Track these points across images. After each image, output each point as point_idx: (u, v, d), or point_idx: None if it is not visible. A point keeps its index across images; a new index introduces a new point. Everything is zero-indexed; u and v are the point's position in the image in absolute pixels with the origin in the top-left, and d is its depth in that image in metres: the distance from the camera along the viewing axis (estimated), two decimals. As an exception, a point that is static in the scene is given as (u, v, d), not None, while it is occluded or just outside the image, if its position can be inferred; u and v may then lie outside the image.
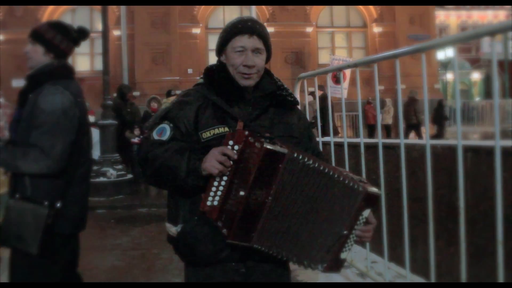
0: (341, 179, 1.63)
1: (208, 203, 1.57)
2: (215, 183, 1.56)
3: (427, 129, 3.18)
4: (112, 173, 8.26)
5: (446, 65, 23.55)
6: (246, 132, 1.54)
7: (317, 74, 4.41)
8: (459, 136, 2.73)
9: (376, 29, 20.78)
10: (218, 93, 1.74)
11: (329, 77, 12.72)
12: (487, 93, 39.25)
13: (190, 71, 19.30)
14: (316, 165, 1.60)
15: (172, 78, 18.76)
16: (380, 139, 3.11)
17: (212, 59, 20.64)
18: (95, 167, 8.24)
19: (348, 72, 12.55)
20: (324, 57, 20.94)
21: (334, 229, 1.67)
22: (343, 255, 1.74)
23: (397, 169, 3.16)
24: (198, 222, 1.67)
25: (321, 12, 20.75)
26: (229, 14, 20.42)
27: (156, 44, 18.40)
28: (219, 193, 1.56)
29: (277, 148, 1.54)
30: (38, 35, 2.37)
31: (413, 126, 15.47)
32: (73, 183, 2.35)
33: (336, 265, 1.75)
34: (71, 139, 2.26)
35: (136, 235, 5.61)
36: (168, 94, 11.51)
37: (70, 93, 2.31)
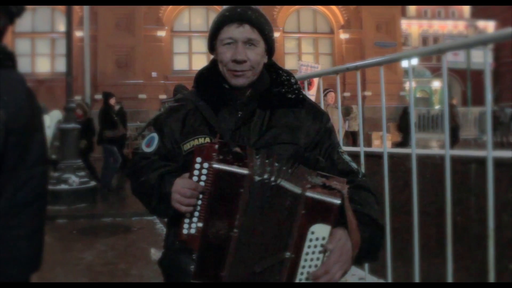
0: (291, 188, 1.24)
1: (185, 231, 1.29)
2: (189, 212, 1.30)
3: (384, 137, 3.01)
4: (74, 180, 7.78)
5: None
6: (216, 146, 1.25)
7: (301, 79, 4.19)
8: (447, 146, 2.55)
9: (343, 36, 20.94)
10: (203, 97, 1.47)
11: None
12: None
13: (154, 74, 18.88)
14: (280, 182, 1.24)
15: (136, 81, 18.29)
16: (385, 149, 2.88)
17: (177, 63, 20.43)
18: (56, 174, 7.77)
19: (315, 79, 12.49)
20: (290, 63, 20.95)
21: (275, 251, 1.26)
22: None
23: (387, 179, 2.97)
24: (181, 248, 1.38)
25: (288, 18, 20.76)
26: (195, 17, 20.17)
27: (120, 46, 17.87)
28: (194, 219, 1.28)
29: (232, 167, 1.24)
30: None
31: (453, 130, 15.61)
32: (5, 211, 1.58)
33: None
34: None
35: (101, 248, 5.20)
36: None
37: None
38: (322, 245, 1.24)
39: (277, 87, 1.49)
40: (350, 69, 2.92)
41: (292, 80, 1.52)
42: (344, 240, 1.24)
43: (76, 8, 17.07)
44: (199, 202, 1.28)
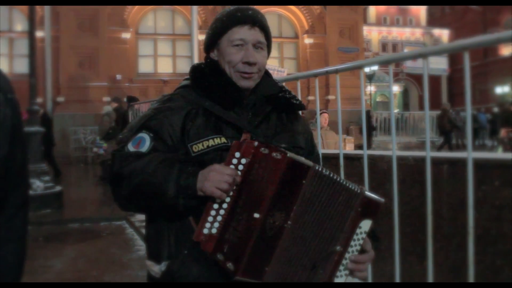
0: (346, 183, 1.35)
1: (205, 231, 1.23)
2: (215, 206, 1.23)
3: (364, 140, 3.11)
4: (38, 185, 7.56)
5: (371, 77, 24.60)
6: (256, 143, 1.24)
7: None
8: (428, 147, 2.67)
9: (307, 41, 21.23)
10: (210, 97, 1.41)
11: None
12: (405, 105, 41.61)
13: (118, 77, 18.58)
14: (339, 179, 1.34)
15: (99, 84, 17.93)
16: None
17: (142, 66, 20.17)
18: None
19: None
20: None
21: (327, 244, 1.33)
22: (338, 280, 1.38)
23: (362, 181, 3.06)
24: (189, 258, 1.31)
25: (254, 21, 20.87)
26: (161, 19, 19.98)
27: (83, 47, 17.49)
28: (219, 218, 1.23)
29: (302, 159, 1.28)
30: None
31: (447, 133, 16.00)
32: (6, 215, 1.58)
33: None
34: (4, 151, 1.53)
35: (70, 255, 5.05)
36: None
37: None
38: (363, 238, 1.37)
39: (282, 93, 1.50)
40: (330, 72, 2.99)
41: (286, 88, 1.56)
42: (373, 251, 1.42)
43: (37, 7, 16.61)
44: (227, 199, 1.24)
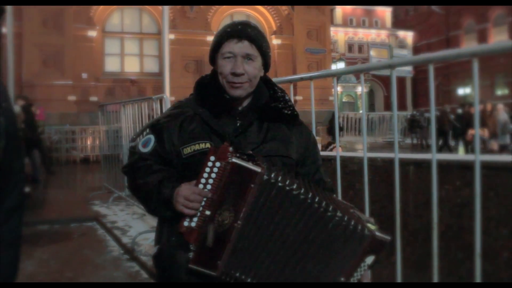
0: (339, 216, 1.41)
1: (185, 223, 1.40)
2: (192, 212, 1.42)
3: (337, 142, 3.26)
4: (4, 186, 7.40)
5: (337, 78, 24.97)
6: (231, 148, 1.37)
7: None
8: (396, 148, 2.84)
9: (275, 41, 21.40)
10: (204, 105, 1.56)
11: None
12: (371, 105, 42.50)
13: (84, 75, 18.29)
14: (302, 191, 1.38)
15: (64, 82, 17.62)
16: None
17: (109, 64, 19.88)
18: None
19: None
20: (225, 66, 21.10)
21: (329, 275, 1.45)
22: None
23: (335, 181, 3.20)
24: (176, 244, 1.47)
25: (222, 21, 20.88)
26: (128, 17, 19.76)
27: (47, 45, 17.16)
28: (197, 213, 1.39)
29: (248, 164, 1.36)
30: None
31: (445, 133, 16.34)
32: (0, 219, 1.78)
33: None
34: None
35: (42, 257, 4.98)
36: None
37: None
38: (365, 269, 1.47)
39: (274, 102, 1.61)
40: (305, 79, 3.12)
41: (287, 97, 1.65)
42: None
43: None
44: (203, 203, 1.39)
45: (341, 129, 19.12)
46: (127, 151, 7.22)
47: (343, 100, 40.31)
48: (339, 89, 34.44)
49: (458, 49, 2.18)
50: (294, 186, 1.38)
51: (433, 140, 2.65)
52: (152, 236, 4.97)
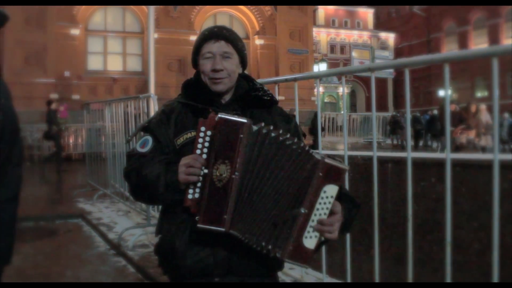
0: (306, 149, 1.47)
1: (189, 196, 1.50)
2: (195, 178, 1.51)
3: (319, 142, 3.41)
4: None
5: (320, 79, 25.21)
6: (217, 117, 1.48)
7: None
8: (375, 147, 3.01)
9: (258, 41, 21.57)
10: (193, 100, 1.72)
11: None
12: (353, 106, 42.95)
13: (67, 74, 18.19)
14: (282, 138, 1.48)
15: (47, 80, 17.49)
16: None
17: (92, 63, 19.77)
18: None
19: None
20: (208, 66, 21.14)
21: (288, 206, 1.48)
22: (306, 243, 1.49)
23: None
24: (176, 233, 1.60)
25: (205, 21, 20.96)
26: (111, 16, 19.71)
27: (29, 43, 17.02)
28: (199, 184, 1.50)
29: (234, 117, 1.48)
30: None
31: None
32: None
33: (299, 253, 1.50)
34: None
35: (29, 252, 5.02)
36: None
37: None
38: (330, 202, 1.48)
39: (254, 92, 1.76)
40: (289, 80, 3.26)
41: (265, 88, 1.80)
42: (342, 210, 1.53)
43: (-20, 0, 16.00)
44: (202, 172, 1.48)
45: (322, 129, 19.36)
46: (111, 149, 7.29)
47: (325, 100, 40.68)
48: (321, 89, 34.75)
49: (432, 55, 2.37)
50: (288, 136, 1.49)
51: (408, 139, 2.83)
52: (137, 231, 5.09)
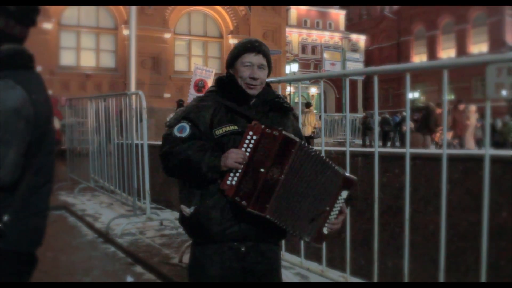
0: (333, 165, 1.97)
1: (228, 182, 1.92)
2: (233, 170, 1.93)
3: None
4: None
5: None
6: (263, 126, 1.91)
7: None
8: (348, 144, 3.45)
9: (232, 41, 21.78)
10: (229, 98, 2.08)
11: (191, 86, 13.29)
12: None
13: (39, 68, 17.54)
14: (317, 153, 1.96)
15: (18, 75, 17.29)
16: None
17: (64, 57, 19.56)
18: None
19: (210, 82, 13.33)
20: (180, 64, 21.37)
21: (320, 205, 1.98)
22: (325, 230, 2.03)
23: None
24: (210, 205, 1.98)
25: (180, 19, 21.09)
26: (85, 11, 19.59)
27: (1, 36, 16.78)
28: (237, 174, 1.91)
29: (292, 136, 1.92)
30: None
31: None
32: (27, 192, 2.05)
33: (319, 238, 2.04)
34: (26, 144, 1.97)
35: (19, 240, 5.29)
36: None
37: (23, 87, 1.91)
38: (342, 203, 2.01)
39: (277, 98, 2.16)
40: (274, 82, 3.65)
41: (281, 95, 2.21)
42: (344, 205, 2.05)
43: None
44: (241, 166, 1.91)
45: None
46: (94, 145, 7.52)
47: (295, 100, 41.21)
48: (292, 89, 35.28)
49: (396, 65, 2.85)
50: (321, 154, 2.00)
51: (376, 137, 3.27)
52: (123, 221, 5.38)
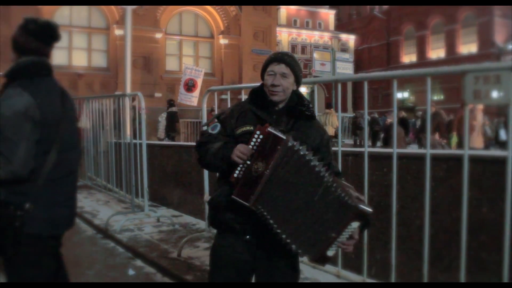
0: (337, 192, 2.00)
1: (235, 175, 2.11)
2: (241, 164, 2.11)
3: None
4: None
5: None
6: (269, 127, 2.06)
7: (229, 89, 5.05)
8: (340, 143, 3.66)
9: (222, 41, 21.92)
10: (254, 104, 2.29)
11: (182, 85, 13.39)
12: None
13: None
14: (317, 164, 2.01)
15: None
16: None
17: (56, 58, 19.51)
18: None
19: (199, 81, 13.45)
20: (171, 64, 21.47)
21: (325, 231, 2.04)
22: (329, 253, 2.08)
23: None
24: (220, 194, 2.23)
25: (171, 19, 21.17)
26: (77, 11, 19.61)
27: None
28: (243, 169, 2.10)
29: (278, 133, 2.04)
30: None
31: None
32: (45, 184, 2.34)
33: (322, 259, 2.11)
34: (34, 141, 2.27)
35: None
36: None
37: (30, 93, 2.26)
38: (352, 231, 2.05)
39: (300, 107, 2.31)
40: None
41: (310, 105, 2.34)
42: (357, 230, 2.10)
43: None
44: (248, 161, 2.08)
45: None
46: (91, 144, 7.64)
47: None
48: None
49: (385, 72, 3.08)
50: (312, 157, 2.03)
51: (365, 136, 3.49)
52: (121, 218, 5.54)
